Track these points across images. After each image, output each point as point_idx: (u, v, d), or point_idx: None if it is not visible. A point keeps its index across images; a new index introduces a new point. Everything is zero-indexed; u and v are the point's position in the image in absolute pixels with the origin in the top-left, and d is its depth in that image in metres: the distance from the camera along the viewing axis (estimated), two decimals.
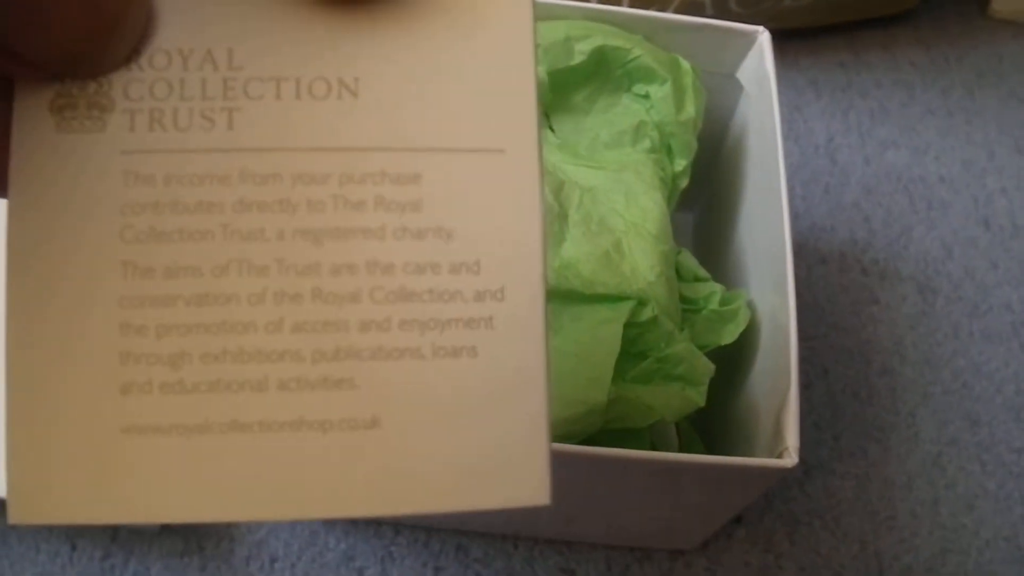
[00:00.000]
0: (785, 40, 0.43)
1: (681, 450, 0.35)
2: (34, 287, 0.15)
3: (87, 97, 0.15)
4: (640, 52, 0.35)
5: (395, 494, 0.15)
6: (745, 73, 0.38)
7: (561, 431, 0.30)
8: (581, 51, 0.35)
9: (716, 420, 0.37)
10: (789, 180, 0.33)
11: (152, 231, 0.15)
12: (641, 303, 0.31)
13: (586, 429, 0.30)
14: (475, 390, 0.15)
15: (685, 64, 0.36)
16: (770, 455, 0.30)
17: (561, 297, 0.31)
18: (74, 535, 0.40)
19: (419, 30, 0.16)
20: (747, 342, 0.35)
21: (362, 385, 0.15)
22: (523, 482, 0.15)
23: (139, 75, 0.15)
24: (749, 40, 0.37)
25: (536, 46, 0.16)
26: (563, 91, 0.36)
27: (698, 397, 0.32)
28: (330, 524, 0.41)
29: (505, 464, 0.15)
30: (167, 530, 0.40)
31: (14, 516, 0.14)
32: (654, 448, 0.34)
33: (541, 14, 0.37)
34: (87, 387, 0.15)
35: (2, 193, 0.15)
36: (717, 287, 0.35)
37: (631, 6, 0.48)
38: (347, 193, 0.15)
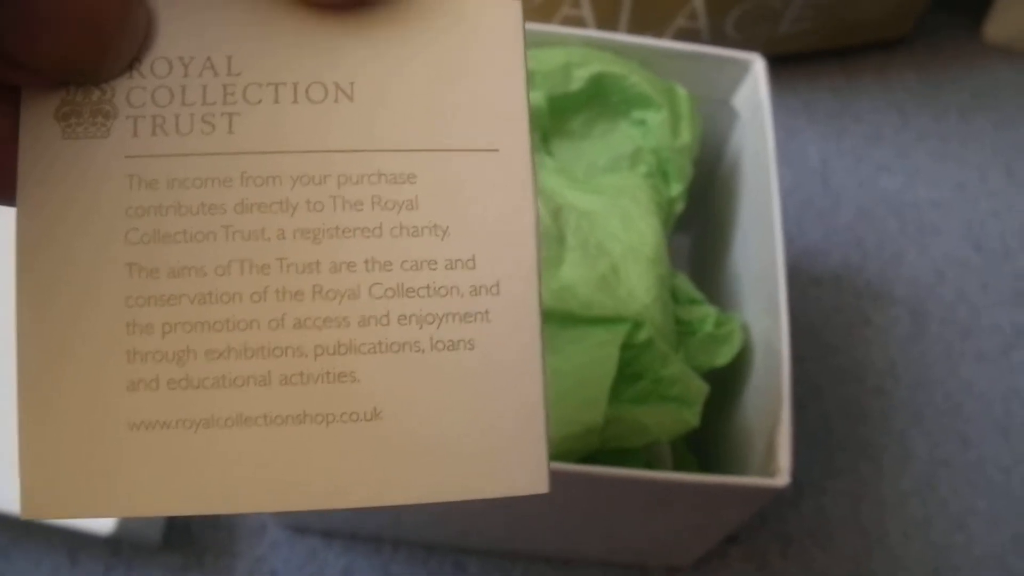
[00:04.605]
0: (780, 65, 0.44)
1: (675, 469, 0.35)
2: (43, 289, 0.15)
3: (91, 104, 0.15)
4: (637, 79, 0.36)
5: (396, 484, 0.16)
6: (740, 100, 0.39)
7: (558, 450, 0.30)
8: (580, 77, 0.36)
9: (710, 440, 0.38)
10: (783, 204, 0.34)
11: (156, 233, 0.15)
12: (637, 325, 0.32)
13: (583, 449, 0.31)
14: (473, 382, 0.16)
15: (681, 91, 0.37)
16: (763, 474, 0.30)
17: (559, 319, 0.32)
18: (75, 549, 0.40)
19: (412, 35, 0.16)
20: (741, 364, 0.35)
21: (363, 378, 0.16)
22: (522, 471, 0.16)
23: (141, 82, 0.16)
24: (744, 67, 0.38)
25: (525, 48, 0.17)
26: (562, 116, 0.36)
27: (693, 417, 0.33)
28: (329, 540, 0.41)
29: (504, 454, 0.16)
30: (168, 545, 0.40)
31: (26, 511, 0.15)
32: (649, 467, 0.34)
33: (541, 41, 0.37)
34: (95, 385, 0.15)
35: (10, 198, 0.15)
36: (712, 310, 0.36)
37: (628, 32, 0.49)
38: (345, 193, 0.16)
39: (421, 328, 0.16)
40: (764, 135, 0.35)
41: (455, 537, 0.41)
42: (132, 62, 0.16)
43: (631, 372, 0.32)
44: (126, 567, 0.40)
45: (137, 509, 0.15)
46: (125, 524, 0.36)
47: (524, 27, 0.17)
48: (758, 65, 0.37)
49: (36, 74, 0.15)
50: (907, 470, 0.44)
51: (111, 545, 0.40)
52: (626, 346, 0.31)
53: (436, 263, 0.16)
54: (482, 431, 0.16)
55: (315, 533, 0.41)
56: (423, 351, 0.16)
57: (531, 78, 0.35)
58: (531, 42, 0.37)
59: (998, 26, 0.58)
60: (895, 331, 0.48)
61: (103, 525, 0.35)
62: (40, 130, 0.15)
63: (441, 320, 0.16)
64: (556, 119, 0.36)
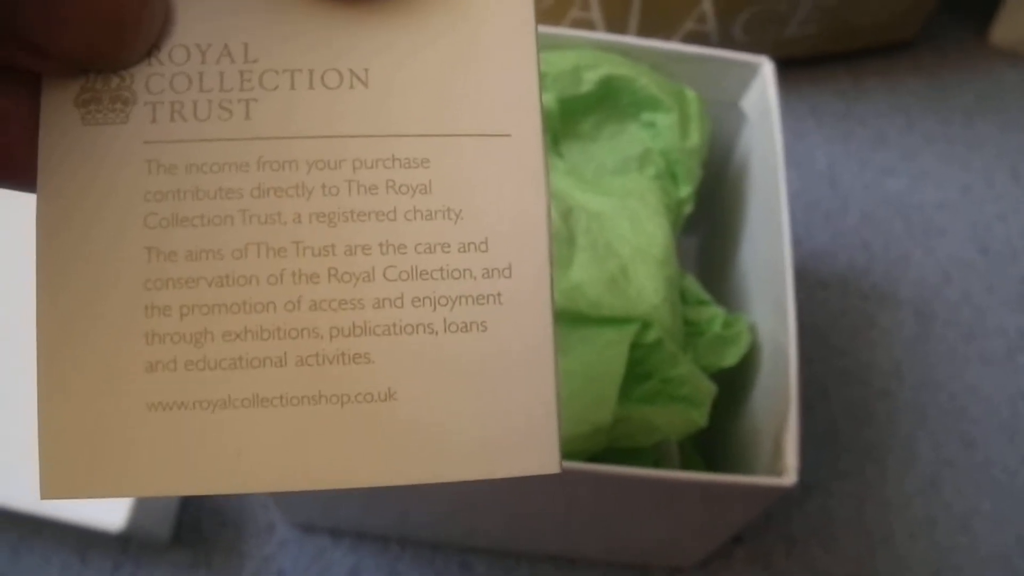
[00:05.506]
0: (787, 68, 0.44)
1: (683, 469, 0.36)
2: (63, 273, 0.15)
3: (110, 91, 0.16)
4: (647, 82, 0.36)
5: (410, 464, 0.16)
6: (748, 102, 0.39)
7: (567, 449, 0.31)
8: (590, 80, 0.36)
9: (718, 440, 0.38)
10: (790, 206, 0.34)
11: (174, 217, 0.16)
12: (646, 325, 0.32)
13: (591, 448, 0.31)
14: (486, 363, 0.16)
15: (690, 94, 0.37)
16: (770, 474, 0.31)
17: (569, 319, 0.32)
18: (84, 547, 0.40)
19: (425, 21, 0.16)
20: (749, 364, 0.36)
21: (377, 360, 0.16)
22: (534, 451, 0.16)
23: (159, 69, 0.16)
24: (752, 70, 0.38)
25: (537, 37, 0.17)
26: (572, 119, 0.37)
27: (700, 417, 0.33)
28: (337, 539, 0.41)
29: (517, 434, 0.16)
30: (177, 542, 0.41)
31: (45, 493, 0.15)
32: (657, 467, 0.34)
33: (551, 43, 0.37)
34: (115, 366, 0.15)
35: (31, 184, 0.16)
36: (720, 310, 0.36)
37: (638, 34, 0.49)
38: (360, 177, 0.16)
39: (435, 310, 0.16)
40: (772, 137, 0.36)
41: (462, 536, 0.41)
42: (151, 50, 0.16)
43: (640, 372, 0.32)
44: (135, 564, 0.40)
45: (155, 489, 0.15)
46: (135, 521, 0.36)
47: (535, 17, 0.17)
48: (766, 68, 0.37)
49: (57, 61, 0.15)
50: (912, 471, 0.45)
51: (120, 542, 0.40)
52: (635, 346, 0.32)
53: (449, 246, 0.16)
54: (495, 412, 0.16)
55: (323, 532, 0.41)
56: (437, 333, 0.16)
57: (541, 80, 0.35)
58: (541, 45, 0.37)
59: (1004, 30, 0.58)
60: (901, 333, 0.48)
61: (113, 522, 0.36)
62: (60, 116, 0.16)
63: (454, 302, 0.16)
64: (566, 121, 0.37)
